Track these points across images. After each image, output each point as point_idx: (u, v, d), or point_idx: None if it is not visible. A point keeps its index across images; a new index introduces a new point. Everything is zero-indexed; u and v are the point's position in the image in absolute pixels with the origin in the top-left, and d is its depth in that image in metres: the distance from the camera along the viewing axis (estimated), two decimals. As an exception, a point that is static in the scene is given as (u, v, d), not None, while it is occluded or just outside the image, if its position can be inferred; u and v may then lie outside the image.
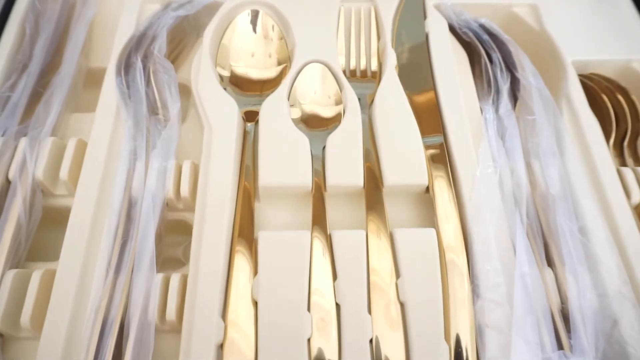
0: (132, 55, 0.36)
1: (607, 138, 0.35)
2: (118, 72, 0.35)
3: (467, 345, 0.27)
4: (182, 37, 0.38)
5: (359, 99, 0.35)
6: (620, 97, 0.36)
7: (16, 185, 0.30)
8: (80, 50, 0.36)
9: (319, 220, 0.30)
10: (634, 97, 0.36)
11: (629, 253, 0.29)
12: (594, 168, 0.32)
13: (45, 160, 0.31)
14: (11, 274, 0.28)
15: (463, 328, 0.27)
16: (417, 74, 0.36)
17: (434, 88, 0.35)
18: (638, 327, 0.27)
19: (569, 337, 0.27)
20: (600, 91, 0.36)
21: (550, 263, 0.30)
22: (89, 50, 0.38)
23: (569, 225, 0.29)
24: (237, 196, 0.31)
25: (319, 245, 0.29)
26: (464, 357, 0.26)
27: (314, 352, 0.27)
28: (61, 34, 0.37)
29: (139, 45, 0.36)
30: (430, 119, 0.34)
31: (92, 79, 0.37)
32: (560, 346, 0.27)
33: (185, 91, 0.36)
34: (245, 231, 0.30)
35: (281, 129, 0.33)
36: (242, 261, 0.29)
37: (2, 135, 0.32)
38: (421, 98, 0.35)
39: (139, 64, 0.35)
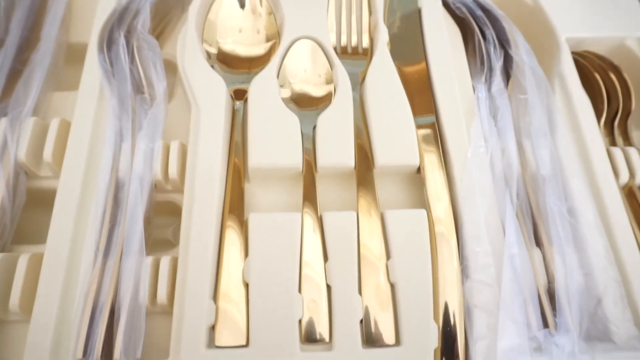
0: (114, 30, 0.34)
1: (599, 117, 0.34)
2: (100, 49, 0.33)
3: (456, 324, 0.27)
4: (167, 11, 0.37)
5: (350, 77, 0.34)
6: (612, 76, 0.36)
7: (-2, 167, 0.30)
8: (60, 24, 0.35)
9: (310, 202, 0.30)
10: (626, 76, 0.35)
11: (616, 234, 0.30)
12: (584, 148, 0.32)
13: (28, 141, 0.30)
14: (-2, 258, 0.28)
15: (452, 308, 0.27)
16: (409, 51, 0.35)
17: (426, 66, 0.35)
18: (621, 305, 0.28)
19: (555, 316, 0.27)
20: (592, 69, 0.36)
21: (538, 243, 0.30)
22: (69, 25, 0.37)
23: (558, 206, 0.30)
24: (227, 177, 0.31)
25: (310, 226, 0.29)
26: (453, 337, 0.27)
27: (305, 333, 0.27)
28: (39, 8, 0.35)
29: (121, 19, 0.35)
30: (422, 98, 0.33)
31: (73, 55, 0.36)
32: (546, 325, 0.27)
33: (171, 67, 0.35)
34: (235, 212, 0.30)
35: (271, 109, 0.32)
36: (232, 243, 0.29)
37: (-19, 116, 0.31)
38: (413, 76, 0.34)
39: (122, 40, 0.34)
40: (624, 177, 0.32)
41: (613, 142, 0.35)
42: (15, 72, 0.33)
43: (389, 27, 0.36)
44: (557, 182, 0.31)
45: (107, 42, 0.34)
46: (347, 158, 0.31)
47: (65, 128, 0.32)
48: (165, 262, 0.29)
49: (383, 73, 0.34)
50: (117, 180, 0.30)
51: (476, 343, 0.26)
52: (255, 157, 0.31)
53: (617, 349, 0.27)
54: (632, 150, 0.33)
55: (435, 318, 0.27)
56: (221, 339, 0.27)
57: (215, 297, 0.28)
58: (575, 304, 0.27)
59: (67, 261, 0.28)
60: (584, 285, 0.28)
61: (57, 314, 0.27)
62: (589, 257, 0.29)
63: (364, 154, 0.31)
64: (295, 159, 0.31)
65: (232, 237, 0.29)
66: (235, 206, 0.30)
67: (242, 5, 0.36)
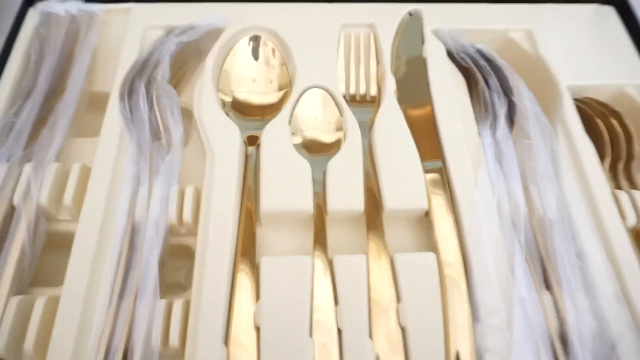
0: (135, 80, 0.36)
1: (602, 161, 0.35)
2: (122, 98, 0.35)
3: (468, 370, 0.27)
4: (184, 62, 0.39)
5: (359, 124, 0.35)
6: (614, 121, 0.37)
7: (20, 211, 0.31)
8: (85, 75, 0.37)
9: (320, 245, 0.31)
10: (627, 121, 0.36)
11: (626, 277, 0.30)
12: (590, 191, 0.33)
13: (49, 186, 0.32)
14: (15, 300, 0.28)
15: (463, 352, 0.27)
16: (416, 98, 0.37)
17: (432, 112, 0.36)
18: (636, 350, 0.27)
19: (568, 362, 0.27)
20: (594, 115, 0.37)
21: (548, 287, 0.30)
22: (93, 75, 0.39)
23: (566, 249, 0.30)
24: (239, 221, 0.32)
25: (321, 270, 0.30)
26: (465, 382, 0.27)
27: (316, 378, 0.27)
28: (65, 60, 0.38)
29: (142, 71, 0.37)
30: (429, 144, 0.34)
31: (95, 104, 0.38)
32: (559, 370, 0.27)
33: (187, 115, 0.37)
34: (247, 256, 0.30)
35: (283, 154, 0.34)
36: (244, 286, 0.29)
37: (7, 162, 0.32)
38: (420, 122, 0.36)
39: (142, 90, 0.35)
40: (631, 219, 0.32)
41: (618, 186, 0.35)
42: (41, 120, 0.34)
43: (396, 76, 0.38)
44: (565, 225, 0.31)
45: (128, 92, 0.36)
46: (357, 202, 0.32)
47: (85, 173, 0.33)
48: (178, 305, 0.29)
49: (391, 120, 0.36)
50: (133, 224, 0.31)
51: (489, 389, 0.26)
52: (268, 201, 0.32)
53: (634, 396, 0.26)
54: (637, 194, 0.33)
55: (447, 363, 0.27)
56: (232, 383, 0.27)
57: (226, 341, 0.28)
58: (588, 348, 0.27)
59: (82, 304, 0.28)
60: (596, 330, 0.28)
61: (72, 356, 0.27)
62: (600, 301, 0.29)
63: (373, 198, 0.32)
64: (306, 203, 0.32)
65: (244, 280, 0.30)
66: (247, 250, 0.31)
67: (256, 57, 0.38)
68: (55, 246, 0.32)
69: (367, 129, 0.35)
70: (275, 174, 0.33)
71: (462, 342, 0.28)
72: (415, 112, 0.36)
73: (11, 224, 0.31)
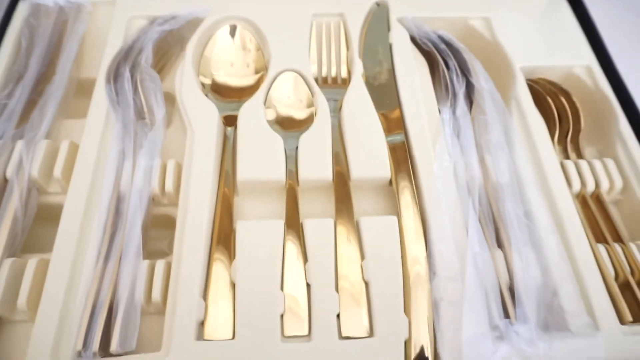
0: (120, 65, 0.39)
1: (552, 136, 0.38)
2: (108, 81, 0.38)
3: (425, 317, 0.30)
4: (167, 49, 0.42)
5: (329, 104, 0.38)
6: (563, 99, 0.40)
7: (13, 183, 0.33)
8: (72, 61, 0.39)
9: (292, 211, 0.33)
10: (575, 99, 0.40)
11: (569, 234, 0.33)
12: (539, 161, 0.36)
13: (40, 161, 0.34)
14: (8, 262, 0.30)
15: (421, 302, 0.30)
16: (382, 80, 0.40)
17: (396, 92, 0.39)
18: (575, 297, 0.30)
19: (515, 309, 0.30)
20: (545, 94, 0.40)
21: (500, 245, 0.33)
22: (80, 62, 0.41)
23: (515, 210, 0.33)
24: (218, 192, 0.34)
25: (292, 232, 0.32)
26: (422, 328, 0.29)
27: (286, 327, 0.29)
28: (54, 47, 0.40)
29: (127, 56, 0.39)
30: (392, 120, 0.37)
31: (83, 89, 0.40)
32: (507, 316, 0.30)
33: (169, 100, 0.40)
34: (224, 222, 0.33)
35: (258, 130, 0.36)
36: (222, 247, 0.32)
37: (0, 139, 0.35)
38: (385, 101, 0.38)
39: (127, 74, 0.38)
40: (576, 186, 0.36)
41: (567, 158, 0.38)
42: (32, 102, 0.37)
43: (364, 60, 0.40)
44: (514, 189, 0.34)
45: (114, 76, 0.38)
46: (326, 172, 0.35)
47: (74, 149, 0.36)
48: (160, 265, 0.31)
49: (358, 100, 0.38)
50: (118, 193, 0.33)
51: (443, 333, 0.29)
52: (244, 172, 0.34)
53: (572, 336, 0.29)
54: (583, 163, 0.37)
55: (406, 312, 0.30)
56: (209, 332, 0.29)
57: (205, 295, 0.30)
58: (533, 296, 0.30)
59: (71, 264, 0.31)
60: (540, 280, 0.31)
61: (61, 311, 0.29)
62: (545, 255, 0.32)
63: (341, 168, 0.35)
64: (279, 174, 0.35)
65: (221, 242, 0.32)
66: (225, 215, 0.33)
67: (234, 43, 0.41)
68: (46, 218, 0.34)
69: (336, 108, 0.38)
70: (251, 148, 0.35)
71: (419, 293, 0.30)
72: (381, 93, 0.39)
73: (4, 195, 0.33)
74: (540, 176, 0.35)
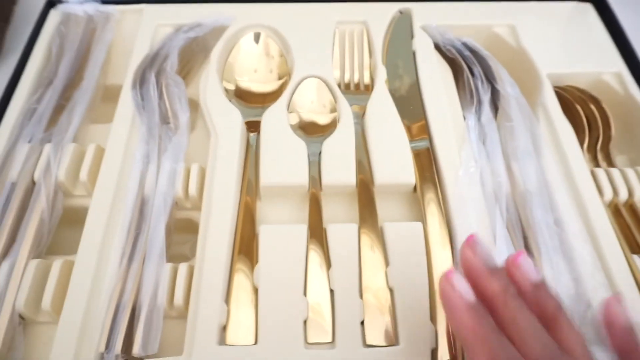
0: (146, 71, 0.39)
1: (581, 143, 0.37)
2: (134, 86, 0.38)
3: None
4: (192, 56, 0.42)
5: (352, 110, 0.38)
6: (592, 107, 0.39)
7: (40, 185, 0.34)
8: (100, 68, 0.40)
9: (315, 216, 0.33)
10: (605, 106, 0.39)
11: (602, 243, 0.32)
12: (568, 168, 0.35)
13: (67, 164, 0.34)
14: (34, 263, 0.31)
15: (447, 311, 0.29)
16: (406, 86, 0.39)
17: (420, 99, 0.39)
18: (610, 309, 0.29)
19: (546, 319, 0.29)
20: (574, 101, 0.39)
21: (529, 253, 0.32)
22: (108, 69, 0.42)
23: (544, 217, 0.32)
24: (240, 196, 0.34)
25: (315, 237, 0.32)
26: (449, 337, 0.28)
27: (309, 334, 0.29)
28: (83, 54, 0.41)
29: (153, 63, 0.40)
30: (417, 126, 0.37)
31: (109, 95, 0.41)
32: (538, 327, 0.29)
33: (194, 106, 0.40)
34: (247, 226, 0.33)
35: (281, 135, 0.36)
36: (244, 252, 0.32)
37: (29, 142, 0.36)
38: (409, 107, 0.38)
39: (152, 79, 0.39)
40: (608, 194, 0.34)
41: (597, 166, 0.37)
42: (60, 107, 0.38)
43: (387, 67, 0.40)
44: (543, 197, 0.33)
45: (140, 81, 0.39)
46: (349, 177, 0.34)
47: (100, 153, 0.36)
48: (183, 268, 0.31)
49: (382, 106, 0.38)
50: (143, 196, 0.34)
51: (471, 342, 0.28)
52: (267, 177, 0.34)
53: (607, 349, 0.28)
54: (614, 171, 0.35)
55: (432, 320, 0.29)
56: (231, 337, 0.29)
57: (227, 300, 0.30)
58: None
59: (95, 266, 0.31)
60: (573, 290, 0.30)
61: (84, 313, 0.29)
62: (576, 264, 0.31)
63: (364, 174, 0.35)
64: (302, 179, 0.34)
65: (245, 247, 0.32)
66: (247, 220, 0.33)
67: (258, 50, 0.41)
68: (71, 221, 0.35)
69: (359, 115, 0.38)
70: (274, 153, 0.35)
71: (446, 302, 0.29)
72: (405, 99, 0.39)
73: (32, 197, 0.33)
74: (569, 184, 0.34)
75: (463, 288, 0.22)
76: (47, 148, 0.35)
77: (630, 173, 0.35)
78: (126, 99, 0.38)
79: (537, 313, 0.22)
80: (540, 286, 0.23)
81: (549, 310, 0.22)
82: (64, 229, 0.35)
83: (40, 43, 0.42)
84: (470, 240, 0.24)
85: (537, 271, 0.23)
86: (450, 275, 0.22)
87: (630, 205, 0.35)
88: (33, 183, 0.34)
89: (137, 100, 0.38)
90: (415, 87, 0.39)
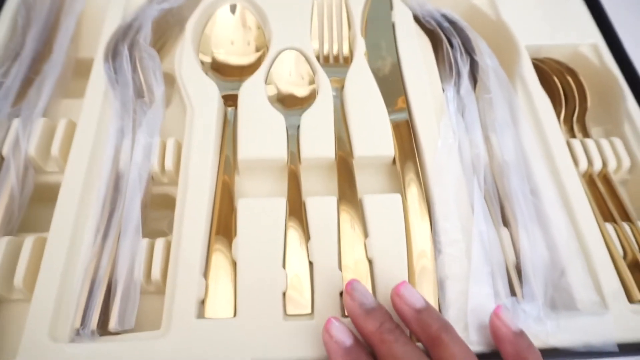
0: (119, 44, 0.38)
1: (558, 114, 0.38)
2: (106, 59, 0.37)
3: (430, 294, 0.29)
4: (166, 29, 0.41)
5: (331, 82, 0.37)
6: (569, 78, 0.39)
7: (9, 161, 0.32)
8: (70, 40, 0.39)
9: (294, 189, 0.33)
10: (581, 78, 0.39)
11: (576, 211, 0.32)
12: (545, 139, 0.35)
13: (37, 139, 0.33)
14: (5, 240, 0.30)
15: (426, 280, 0.30)
16: (385, 58, 0.39)
17: (400, 71, 0.38)
18: (583, 276, 0.30)
19: (521, 287, 0.29)
20: (551, 73, 0.39)
21: (506, 224, 0.32)
22: (78, 41, 0.40)
23: (521, 187, 0.32)
24: (218, 170, 0.34)
25: (294, 210, 0.32)
26: (427, 306, 0.29)
27: (289, 306, 0.29)
28: (51, 26, 0.39)
29: (125, 34, 0.38)
30: (396, 98, 0.37)
31: (81, 69, 0.39)
32: (513, 294, 0.29)
33: (169, 80, 0.39)
34: (225, 200, 0.32)
35: (258, 108, 0.36)
36: (223, 226, 0.31)
37: (-4, 117, 0.34)
38: (388, 80, 0.38)
39: (125, 52, 0.37)
40: (583, 164, 0.35)
41: (573, 136, 0.38)
42: (29, 80, 0.36)
43: (367, 39, 0.40)
44: (520, 166, 0.33)
45: (112, 54, 0.37)
46: (328, 150, 0.34)
47: (71, 128, 0.35)
48: (160, 243, 0.31)
49: (361, 78, 0.38)
50: (117, 171, 0.33)
51: (448, 309, 0.28)
52: (245, 150, 0.34)
53: (580, 314, 0.29)
54: (589, 142, 0.36)
55: (411, 289, 0.29)
56: (210, 311, 0.29)
57: (206, 274, 0.30)
58: (540, 274, 0.30)
59: (69, 243, 0.30)
60: (547, 258, 0.30)
61: (58, 289, 0.29)
62: (552, 233, 0.31)
63: (343, 146, 0.34)
64: (281, 152, 0.34)
65: (222, 221, 0.32)
66: (225, 194, 0.33)
67: (234, 21, 0.40)
68: (44, 198, 0.34)
69: (338, 87, 0.38)
70: (252, 126, 0.35)
71: (424, 271, 0.30)
72: (384, 71, 0.38)
73: (1, 173, 0.32)
74: (546, 154, 0.35)
75: (339, 335, 0.25)
76: (16, 123, 0.34)
77: (605, 144, 0.36)
78: (98, 73, 0.37)
79: (424, 337, 0.25)
80: (423, 311, 0.25)
81: (432, 332, 0.24)
82: (37, 206, 0.34)
83: (5, 14, 0.40)
84: (349, 287, 0.26)
85: (419, 297, 0.26)
86: (329, 325, 0.25)
87: (604, 176, 0.35)
88: (2, 159, 0.33)
89: (110, 74, 0.37)
90: (395, 59, 0.39)
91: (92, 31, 0.40)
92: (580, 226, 0.32)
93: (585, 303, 0.29)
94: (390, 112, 0.36)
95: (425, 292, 0.29)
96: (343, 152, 0.34)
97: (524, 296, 0.29)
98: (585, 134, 0.38)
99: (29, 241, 0.30)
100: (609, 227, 0.33)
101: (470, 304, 0.28)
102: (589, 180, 0.35)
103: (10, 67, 0.37)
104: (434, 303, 0.29)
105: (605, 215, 0.33)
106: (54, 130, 0.34)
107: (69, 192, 0.32)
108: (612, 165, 0.35)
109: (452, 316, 0.28)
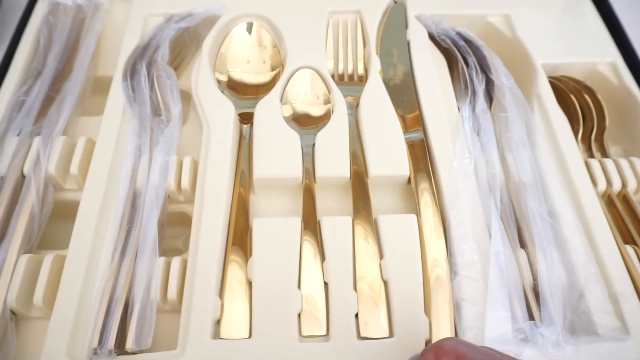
0: (137, 62, 0.39)
1: (575, 134, 0.37)
2: (124, 78, 0.38)
3: (446, 317, 0.29)
4: (183, 47, 0.42)
5: (346, 101, 0.37)
6: (587, 97, 0.39)
7: (30, 179, 0.33)
8: (90, 59, 0.40)
9: (309, 208, 0.33)
10: (599, 97, 0.39)
11: (595, 233, 0.32)
12: (562, 159, 0.35)
13: (57, 157, 0.34)
14: (25, 258, 0.30)
15: (442, 302, 0.29)
16: (400, 77, 0.39)
17: (415, 90, 0.38)
18: (602, 299, 0.29)
19: (539, 310, 0.29)
20: (568, 91, 0.39)
21: (523, 245, 0.32)
22: (97, 60, 0.41)
23: (538, 209, 0.32)
24: (234, 189, 0.34)
25: (309, 229, 0.32)
26: (443, 329, 0.29)
27: (304, 326, 0.29)
28: (72, 45, 0.40)
29: (143, 53, 0.39)
30: (411, 117, 0.37)
31: (99, 87, 0.40)
32: (531, 318, 0.29)
33: (185, 98, 0.39)
34: (240, 219, 0.33)
35: (274, 127, 0.36)
36: (238, 245, 0.31)
37: (18, 135, 0.35)
38: (403, 99, 0.38)
39: (143, 71, 0.38)
40: (602, 185, 0.34)
41: (591, 156, 0.37)
42: (49, 99, 0.37)
43: (381, 57, 0.40)
44: (537, 187, 0.33)
45: (131, 72, 0.38)
46: (343, 169, 0.34)
47: (90, 146, 0.36)
48: (176, 262, 0.31)
49: (376, 97, 0.38)
50: (135, 189, 0.33)
51: (465, 333, 0.28)
52: (260, 169, 0.34)
53: (600, 339, 0.28)
54: (608, 162, 0.35)
55: (427, 312, 0.29)
56: (225, 331, 0.29)
57: (221, 293, 0.30)
58: (558, 297, 0.29)
59: (87, 261, 0.30)
60: (566, 281, 0.30)
61: (77, 308, 0.29)
62: (570, 255, 0.31)
63: (358, 166, 0.34)
64: (296, 171, 0.34)
65: (238, 240, 0.32)
66: (241, 213, 0.33)
67: (250, 40, 0.41)
68: (62, 215, 0.34)
69: (353, 105, 0.38)
70: (267, 145, 0.35)
71: (440, 293, 0.29)
72: (399, 90, 0.38)
73: (22, 191, 0.33)
74: (563, 175, 0.34)
75: None
76: (37, 141, 0.35)
77: (624, 163, 0.35)
78: (117, 91, 0.37)
79: None
80: None
81: None
82: (55, 224, 0.34)
83: (27, 33, 0.41)
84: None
85: None
86: None
87: (623, 196, 0.35)
88: (23, 177, 0.34)
89: (128, 92, 0.37)
90: (410, 77, 0.39)
91: (111, 50, 0.41)
92: (599, 248, 0.31)
93: (606, 328, 0.28)
94: (405, 132, 0.36)
95: (442, 315, 0.29)
96: (358, 171, 0.34)
97: (542, 320, 0.28)
98: (604, 153, 0.37)
99: (48, 259, 0.30)
100: (629, 249, 0.32)
101: (487, 327, 0.28)
102: (608, 201, 0.35)
103: (32, 86, 0.37)
104: (450, 326, 0.29)
105: (625, 237, 0.33)
106: (73, 148, 0.35)
107: (88, 210, 0.32)
108: (632, 185, 0.35)
109: (469, 339, 0.28)
